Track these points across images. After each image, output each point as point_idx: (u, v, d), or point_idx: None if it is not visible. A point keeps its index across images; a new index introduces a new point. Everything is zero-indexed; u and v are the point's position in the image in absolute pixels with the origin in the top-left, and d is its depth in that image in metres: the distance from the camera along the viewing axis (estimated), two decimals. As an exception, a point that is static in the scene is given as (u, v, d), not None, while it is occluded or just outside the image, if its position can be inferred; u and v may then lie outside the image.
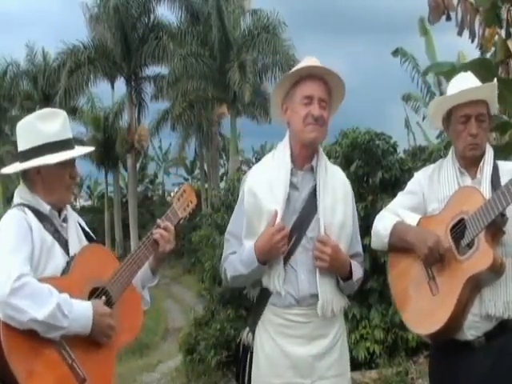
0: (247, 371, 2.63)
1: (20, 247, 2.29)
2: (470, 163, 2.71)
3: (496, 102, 2.78)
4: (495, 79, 2.81)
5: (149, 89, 28.94)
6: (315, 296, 2.53)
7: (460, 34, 5.56)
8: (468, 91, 2.67)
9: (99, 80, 28.32)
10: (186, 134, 30.32)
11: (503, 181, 2.55)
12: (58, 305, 2.22)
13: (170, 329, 17.41)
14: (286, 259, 2.55)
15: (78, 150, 2.53)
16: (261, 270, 2.54)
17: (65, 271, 2.41)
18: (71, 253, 2.47)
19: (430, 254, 2.57)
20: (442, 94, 10.46)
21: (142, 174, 40.11)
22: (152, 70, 28.82)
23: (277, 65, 23.93)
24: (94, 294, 2.43)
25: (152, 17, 27.88)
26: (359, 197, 7.20)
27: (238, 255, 2.59)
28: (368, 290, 6.94)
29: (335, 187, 2.64)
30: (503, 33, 5.39)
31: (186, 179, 42.57)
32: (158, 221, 2.64)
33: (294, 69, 2.67)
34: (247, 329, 2.66)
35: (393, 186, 7.09)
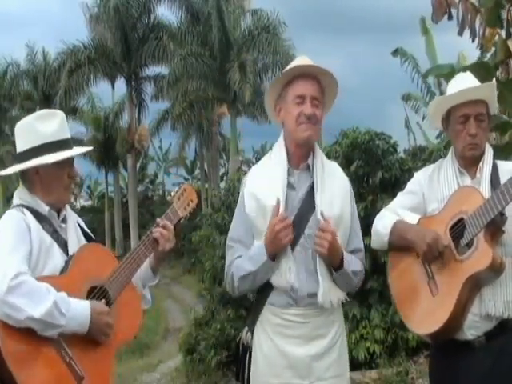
0: (246, 371, 2.63)
1: (18, 247, 2.29)
2: (470, 163, 2.71)
3: (496, 102, 2.79)
4: (494, 79, 2.81)
5: (149, 89, 29.00)
6: (313, 296, 2.53)
7: (461, 33, 5.56)
8: (467, 91, 2.67)
9: (99, 80, 28.36)
10: (186, 134, 30.33)
11: (503, 180, 2.55)
12: (55, 303, 2.23)
13: (170, 329, 17.42)
14: None
15: (76, 150, 2.54)
16: (269, 266, 2.52)
17: (63, 270, 2.41)
18: (70, 253, 2.47)
19: (429, 250, 2.57)
20: (441, 94, 10.45)
21: (142, 174, 40.11)
22: (152, 69, 28.89)
23: (277, 65, 23.92)
24: (92, 292, 2.43)
25: (152, 17, 27.91)
26: (359, 197, 7.20)
27: (246, 254, 2.58)
28: (368, 290, 6.94)
29: (333, 183, 2.64)
30: (503, 33, 5.39)
31: (186, 179, 42.57)
32: (158, 219, 2.64)
33: (285, 69, 2.68)
34: (246, 328, 2.66)
35: (393, 186, 7.10)
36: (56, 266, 2.40)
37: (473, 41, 5.62)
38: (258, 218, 2.57)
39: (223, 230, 8.69)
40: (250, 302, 2.73)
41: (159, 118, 28.45)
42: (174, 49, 25.79)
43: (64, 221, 2.54)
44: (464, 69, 4.55)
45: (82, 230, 2.64)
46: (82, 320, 2.30)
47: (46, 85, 29.11)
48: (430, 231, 2.60)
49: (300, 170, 2.65)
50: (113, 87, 30.02)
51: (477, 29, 5.54)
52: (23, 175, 2.51)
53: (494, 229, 2.51)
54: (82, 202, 45.15)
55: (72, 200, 38.46)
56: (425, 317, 2.64)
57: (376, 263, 6.38)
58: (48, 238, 2.42)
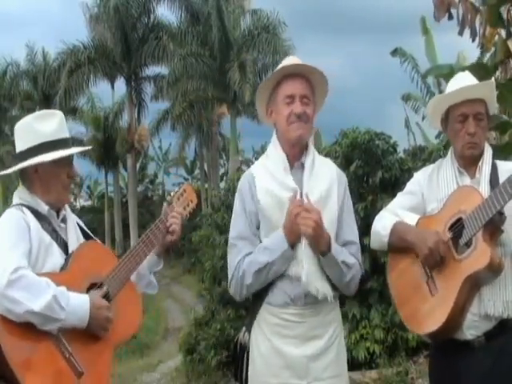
0: (244, 371, 2.64)
1: (18, 244, 2.31)
2: (469, 163, 2.71)
3: (495, 102, 2.79)
4: (492, 78, 2.81)
5: (149, 89, 28.99)
6: (310, 295, 2.53)
7: (461, 33, 5.57)
8: (465, 89, 2.67)
9: (99, 80, 28.35)
10: (186, 134, 30.32)
11: (502, 180, 2.54)
12: (54, 296, 2.24)
13: (170, 329, 17.42)
14: None
15: (75, 149, 2.56)
16: (288, 256, 2.50)
17: (63, 267, 2.42)
18: (70, 252, 2.48)
19: (431, 254, 2.57)
20: (441, 93, 10.44)
21: (142, 174, 40.11)
22: (152, 70, 28.87)
23: (277, 65, 23.63)
24: (91, 289, 2.44)
25: (152, 17, 27.90)
26: (359, 197, 7.20)
27: (258, 248, 2.56)
28: (368, 290, 6.95)
29: (318, 178, 2.62)
30: (503, 33, 5.39)
31: (186, 179, 42.55)
32: (161, 217, 2.66)
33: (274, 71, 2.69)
34: (244, 328, 2.67)
35: (393, 185, 7.10)
36: (55, 265, 2.41)
37: (473, 40, 5.61)
38: (274, 213, 2.56)
39: (223, 230, 8.70)
40: (250, 302, 2.72)
41: (159, 118, 28.45)
42: (173, 49, 25.78)
43: (63, 221, 2.55)
44: (463, 69, 4.55)
45: (82, 230, 2.65)
46: (82, 314, 2.31)
47: (46, 85, 29.11)
48: (431, 234, 2.59)
49: (295, 169, 2.65)
50: (113, 87, 30.05)
51: (477, 28, 5.54)
52: (22, 174, 2.52)
53: (492, 228, 2.50)
54: (82, 201, 45.16)
55: (72, 200, 38.49)
56: (424, 316, 2.64)
57: (376, 263, 6.38)
58: (47, 237, 2.43)
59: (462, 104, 2.67)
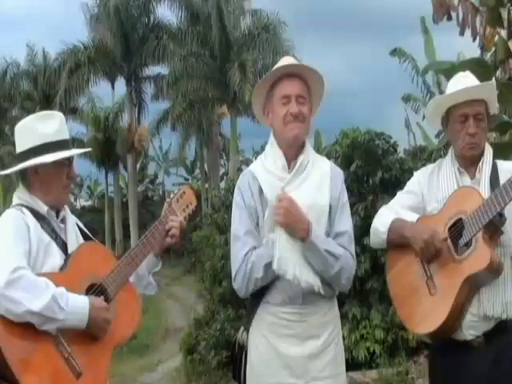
0: (243, 370, 2.64)
1: (17, 244, 2.31)
2: (469, 163, 2.71)
3: (495, 102, 2.78)
4: (493, 79, 2.81)
5: (149, 89, 28.96)
6: (308, 295, 2.54)
7: (462, 33, 5.57)
8: (466, 90, 2.67)
9: (99, 80, 28.32)
10: (186, 134, 30.30)
11: (502, 180, 2.55)
12: (53, 297, 2.24)
13: (170, 329, 17.40)
14: None
15: (75, 151, 2.57)
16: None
17: (62, 268, 2.43)
18: (69, 253, 2.48)
19: (426, 247, 2.56)
20: (441, 93, 10.45)
21: (142, 174, 40.08)
22: (152, 70, 28.84)
23: (277, 65, 23.84)
24: (91, 290, 2.45)
25: (152, 17, 27.87)
26: (359, 197, 7.21)
27: (266, 241, 2.56)
28: (368, 290, 6.96)
29: (312, 172, 2.63)
30: (504, 33, 5.40)
31: (187, 179, 42.56)
32: (161, 218, 2.66)
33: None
34: (242, 328, 2.67)
35: (393, 185, 7.10)
36: (54, 265, 2.42)
37: (474, 40, 5.62)
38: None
39: (223, 230, 8.71)
40: (249, 302, 2.72)
41: (159, 118, 28.44)
42: (173, 49, 25.77)
43: (63, 221, 2.56)
44: (463, 64, 4.54)
45: (82, 231, 2.65)
46: (81, 315, 2.32)
47: (46, 85, 29.08)
48: (426, 228, 2.60)
49: (292, 168, 2.66)
50: (113, 87, 30.02)
51: (477, 28, 5.55)
52: (22, 175, 2.53)
53: (492, 229, 2.51)
54: (82, 202, 45.16)
55: (72, 200, 38.49)
56: (423, 316, 2.64)
57: (376, 263, 6.39)
58: (47, 238, 2.44)
59: (463, 104, 2.67)
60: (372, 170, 7.42)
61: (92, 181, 44.20)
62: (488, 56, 5.89)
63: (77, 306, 2.31)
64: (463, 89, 2.67)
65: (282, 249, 2.50)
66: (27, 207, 2.46)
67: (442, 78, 10.77)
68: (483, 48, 5.71)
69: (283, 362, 2.54)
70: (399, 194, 2.91)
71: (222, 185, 26.11)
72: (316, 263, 2.53)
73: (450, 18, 5.54)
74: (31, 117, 2.56)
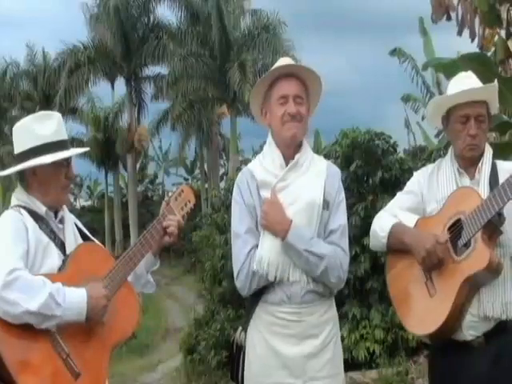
0: (241, 371, 2.64)
1: (15, 246, 2.32)
2: (469, 163, 2.70)
3: (496, 102, 2.78)
4: (495, 80, 2.80)
5: (149, 89, 28.96)
6: (306, 294, 2.55)
7: (460, 33, 5.57)
8: (468, 91, 2.66)
9: (99, 80, 28.33)
10: (186, 134, 30.29)
11: (502, 181, 2.54)
12: (50, 294, 2.24)
13: (170, 329, 17.40)
14: None
15: (73, 151, 2.56)
16: None
17: (61, 269, 2.43)
18: (68, 253, 2.48)
19: (428, 256, 2.56)
20: (440, 93, 10.46)
21: (141, 174, 40.07)
22: (152, 69, 28.84)
23: (277, 65, 23.82)
24: None
25: (152, 17, 27.87)
26: (359, 197, 7.21)
27: None
28: (368, 290, 6.96)
29: (307, 171, 2.65)
30: (503, 33, 5.40)
31: (186, 179, 42.54)
32: (159, 217, 2.66)
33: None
34: (240, 328, 2.68)
35: (393, 185, 7.10)
36: (53, 266, 2.42)
37: (472, 41, 5.62)
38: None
39: (223, 230, 8.71)
40: (248, 301, 2.72)
41: (159, 118, 28.44)
42: (173, 49, 25.77)
43: (61, 221, 2.56)
44: (462, 57, 4.52)
45: (80, 231, 2.65)
46: (79, 309, 2.32)
47: (46, 85, 29.08)
48: (428, 236, 2.59)
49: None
50: (112, 87, 30.02)
51: (476, 29, 5.55)
52: (21, 176, 2.53)
53: (491, 229, 2.50)
54: (82, 202, 45.14)
55: (72, 200, 38.47)
56: (422, 317, 2.64)
57: (376, 263, 6.38)
58: (45, 238, 2.44)
59: (465, 105, 2.66)
60: (372, 170, 7.42)
61: (92, 181, 44.20)
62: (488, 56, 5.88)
63: (74, 300, 2.31)
64: (466, 90, 2.66)
65: (264, 250, 2.55)
66: (25, 208, 2.46)
67: (442, 78, 10.78)
68: (482, 48, 5.71)
69: (281, 361, 2.54)
70: (399, 194, 2.91)
71: (222, 185, 26.10)
72: (299, 263, 2.55)
73: (449, 18, 5.54)
74: (29, 118, 2.56)
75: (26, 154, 2.48)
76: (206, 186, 31.48)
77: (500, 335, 2.54)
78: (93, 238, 2.71)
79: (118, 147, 28.72)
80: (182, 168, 43.09)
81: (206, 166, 33.10)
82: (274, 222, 2.55)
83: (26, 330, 2.23)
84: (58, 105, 25.51)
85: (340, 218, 2.66)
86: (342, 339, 6.71)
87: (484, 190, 2.59)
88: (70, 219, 2.61)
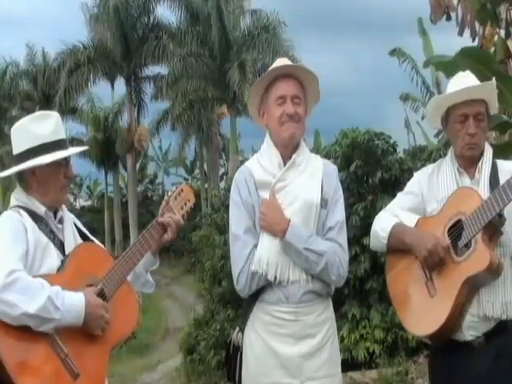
0: (238, 371, 2.64)
1: (14, 247, 2.31)
2: (469, 163, 2.70)
3: (496, 102, 2.77)
4: (494, 78, 2.80)
5: (149, 89, 28.98)
6: (304, 293, 2.55)
7: (461, 33, 5.57)
8: (466, 90, 2.66)
9: (99, 80, 28.34)
10: (185, 134, 30.29)
11: (502, 180, 2.54)
12: (49, 297, 2.24)
13: (170, 329, 17.42)
14: None
15: (72, 150, 2.56)
16: None
17: (60, 269, 2.42)
18: (67, 254, 2.48)
19: (430, 256, 2.56)
20: (440, 93, 10.45)
21: (141, 174, 40.08)
22: (152, 69, 28.86)
23: (276, 65, 23.82)
24: None
25: (152, 17, 27.89)
26: (359, 197, 7.21)
27: None
28: (368, 290, 6.95)
29: (304, 171, 2.65)
30: (503, 32, 5.39)
31: (186, 179, 42.53)
32: (158, 217, 2.65)
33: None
34: (237, 329, 2.67)
35: (393, 185, 7.10)
36: (52, 266, 2.41)
37: (473, 41, 5.62)
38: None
39: (223, 230, 8.70)
40: (246, 301, 2.71)
41: (159, 118, 28.44)
42: (173, 49, 25.78)
43: (61, 221, 2.55)
44: (462, 51, 4.51)
45: (80, 230, 2.64)
46: (77, 312, 2.31)
47: (46, 85, 29.08)
48: (429, 236, 2.59)
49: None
50: (112, 87, 30.03)
51: (476, 28, 5.55)
52: (20, 176, 2.52)
53: (492, 230, 2.50)
54: (82, 202, 45.13)
55: (72, 200, 38.45)
56: (422, 318, 2.63)
57: (376, 263, 6.38)
58: (44, 239, 2.43)
59: (463, 104, 2.66)
60: (372, 170, 7.42)
61: (92, 181, 44.21)
62: (487, 56, 5.87)
63: (73, 304, 2.31)
64: (463, 88, 2.67)
65: (263, 250, 2.56)
66: (25, 208, 2.46)
67: (442, 78, 10.77)
68: (482, 48, 5.71)
69: (279, 361, 2.54)
70: (399, 195, 2.90)
71: (222, 185, 26.13)
72: (299, 262, 2.56)
73: (449, 18, 5.54)
74: (27, 118, 2.55)
75: (24, 154, 2.47)
76: (206, 186, 31.47)
77: (500, 335, 2.54)
78: (92, 237, 2.70)
79: (117, 147, 28.72)
80: (181, 168, 43.11)
81: (205, 166, 33.11)
82: (273, 223, 2.56)
83: (24, 331, 2.23)
84: (57, 105, 25.51)
85: (337, 215, 2.67)
86: (342, 339, 6.75)
87: (484, 190, 2.59)
88: (70, 219, 2.61)
